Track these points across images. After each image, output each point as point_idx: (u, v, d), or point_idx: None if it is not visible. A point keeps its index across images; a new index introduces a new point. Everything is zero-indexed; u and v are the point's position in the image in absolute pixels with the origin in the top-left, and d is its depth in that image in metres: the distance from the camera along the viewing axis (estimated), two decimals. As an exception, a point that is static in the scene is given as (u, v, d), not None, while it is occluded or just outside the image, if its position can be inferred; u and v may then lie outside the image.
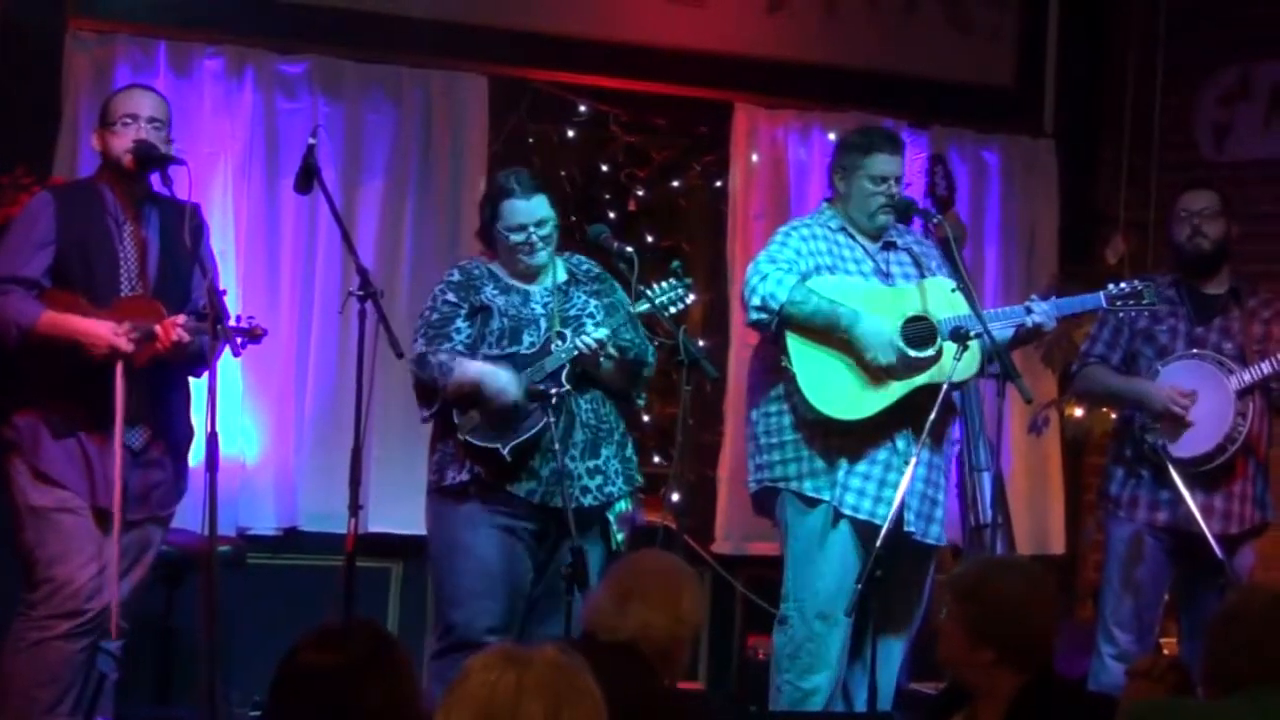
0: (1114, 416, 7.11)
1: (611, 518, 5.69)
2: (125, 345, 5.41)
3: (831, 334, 5.98)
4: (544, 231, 5.90)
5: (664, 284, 5.88)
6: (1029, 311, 6.14)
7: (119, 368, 5.40)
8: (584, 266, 6.10)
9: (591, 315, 5.90)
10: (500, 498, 5.76)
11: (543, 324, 5.85)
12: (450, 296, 5.89)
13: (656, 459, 8.38)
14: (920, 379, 5.97)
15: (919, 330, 6.01)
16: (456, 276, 5.94)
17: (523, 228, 5.87)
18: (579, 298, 5.96)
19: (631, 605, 4.34)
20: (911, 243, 6.30)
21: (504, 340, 5.82)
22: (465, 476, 5.76)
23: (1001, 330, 6.04)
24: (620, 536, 5.63)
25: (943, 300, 6.05)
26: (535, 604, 5.85)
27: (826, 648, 6.04)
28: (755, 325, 6.07)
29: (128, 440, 5.48)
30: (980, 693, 4.15)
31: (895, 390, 5.99)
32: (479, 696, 2.91)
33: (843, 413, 5.99)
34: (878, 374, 5.98)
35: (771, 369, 6.12)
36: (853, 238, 6.18)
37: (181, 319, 5.44)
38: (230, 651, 5.92)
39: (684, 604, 4.42)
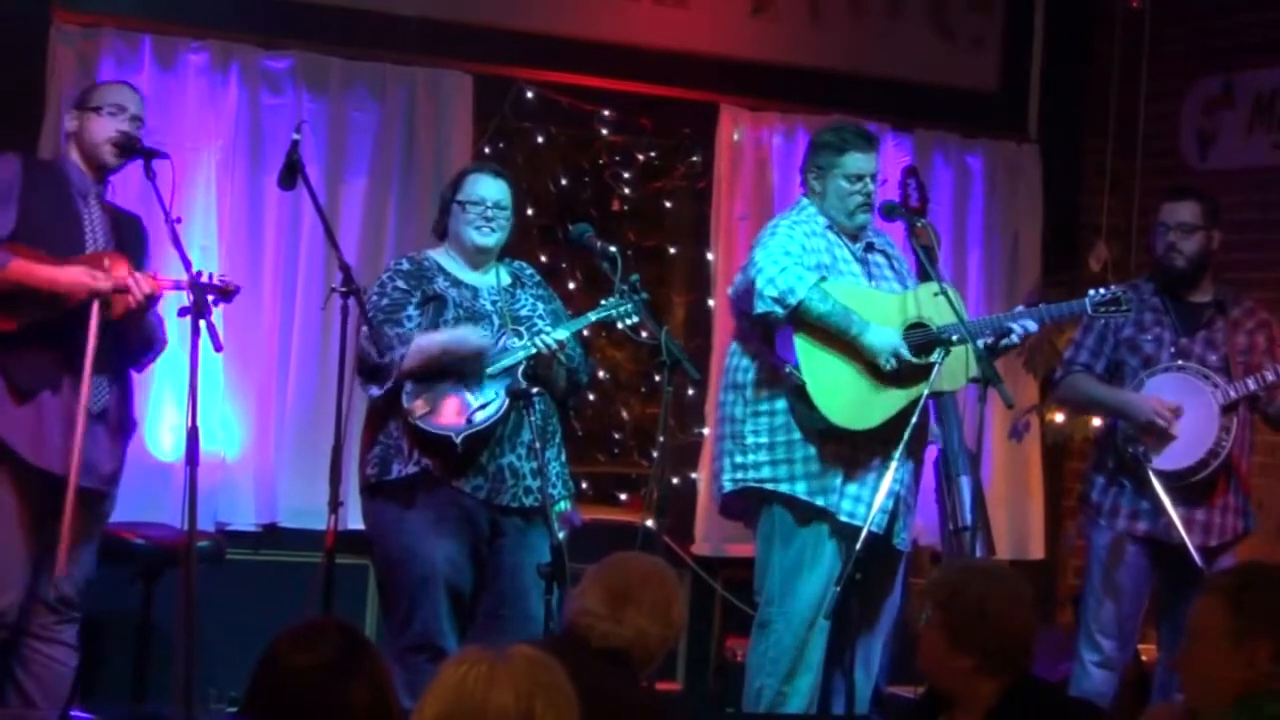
0: (1095, 424, 7.11)
1: (553, 517, 5.68)
2: (104, 283, 5.39)
3: (840, 338, 5.96)
4: (500, 214, 5.92)
5: (618, 295, 5.88)
6: (1011, 332, 6.13)
7: (94, 309, 5.39)
8: (527, 271, 6.13)
9: (542, 317, 5.92)
10: (445, 494, 5.75)
11: (495, 320, 5.86)
12: (400, 283, 5.89)
13: (637, 459, 8.40)
14: (912, 391, 5.94)
15: (917, 337, 6.01)
16: (406, 265, 5.95)
17: (480, 201, 5.90)
18: (526, 300, 5.98)
19: (627, 612, 4.33)
20: (885, 244, 6.30)
21: None
22: (413, 469, 5.73)
23: (987, 338, 6.06)
24: (561, 535, 5.64)
25: (934, 306, 6.04)
26: (494, 613, 5.85)
27: (811, 652, 6.04)
28: (764, 317, 5.97)
29: (91, 400, 5.45)
30: (960, 698, 4.14)
31: (900, 398, 5.98)
32: (450, 686, 2.93)
33: (852, 422, 5.97)
34: (884, 381, 5.97)
35: (767, 369, 6.10)
36: (839, 237, 6.17)
37: (153, 273, 5.43)
38: (208, 647, 5.91)
39: (674, 611, 4.43)
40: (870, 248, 6.23)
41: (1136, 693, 6.93)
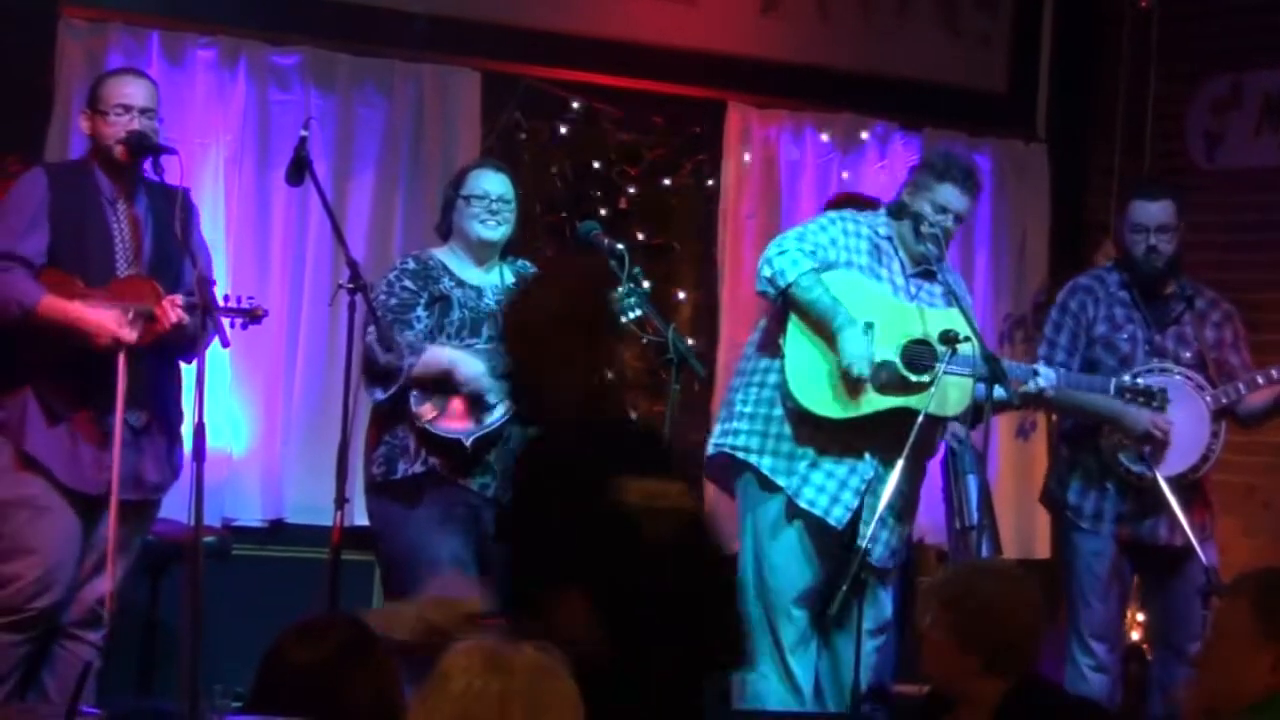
0: (1054, 419, 7.10)
1: None
2: (129, 336, 5.41)
3: (823, 329, 5.97)
4: (505, 207, 5.93)
5: (621, 288, 5.89)
6: (1035, 374, 6.14)
7: (121, 358, 5.41)
8: (529, 270, 6.12)
9: None
10: (451, 492, 5.76)
11: (499, 319, 5.86)
12: (408, 283, 5.89)
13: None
14: (895, 400, 5.96)
15: (920, 354, 5.99)
16: (412, 265, 5.95)
17: (485, 195, 5.92)
18: None
19: None
20: (952, 282, 6.18)
21: (463, 332, 5.85)
22: (419, 469, 5.74)
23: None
24: None
25: (947, 326, 6.02)
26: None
27: (782, 636, 6.04)
28: (761, 295, 6.10)
29: (128, 418, 5.48)
30: (964, 699, 4.14)
31: (871, 403, 5.99)
32: (460, 702, 2.89)
33: (816, 407, 5.99)
34: (853, 382, 5.97)
35: (767, 344, 6.14)
36: (895, 250, 6.17)
37: (179, 299, 5.45)
38: (213, 643, 5.91)
39: None
40: (929, 275, 6.18)
41: (1140, 693, 6.93)
